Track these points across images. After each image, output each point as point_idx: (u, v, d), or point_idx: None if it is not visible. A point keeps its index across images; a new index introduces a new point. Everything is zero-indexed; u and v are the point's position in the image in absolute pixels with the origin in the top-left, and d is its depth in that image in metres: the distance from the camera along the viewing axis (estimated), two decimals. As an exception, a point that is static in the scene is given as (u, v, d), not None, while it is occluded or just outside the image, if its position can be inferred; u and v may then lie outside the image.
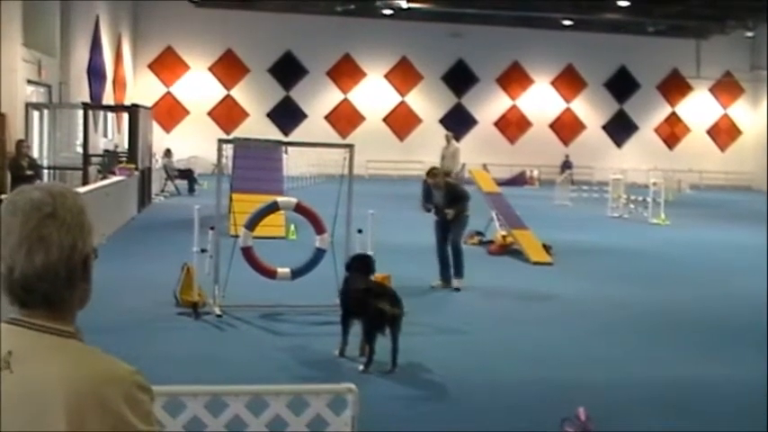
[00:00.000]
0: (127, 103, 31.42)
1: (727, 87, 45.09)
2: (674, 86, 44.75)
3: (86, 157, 21.35)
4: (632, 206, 24.75)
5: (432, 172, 13.09)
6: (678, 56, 43.59)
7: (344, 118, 41.78)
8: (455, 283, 12.57)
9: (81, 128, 21.98)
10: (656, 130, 45.03)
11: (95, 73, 28.06)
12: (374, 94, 42.13)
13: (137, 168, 21.34)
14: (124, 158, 21.72)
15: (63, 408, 1.46)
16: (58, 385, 1.47)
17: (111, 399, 1.50)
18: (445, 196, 12.66)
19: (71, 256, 1.56)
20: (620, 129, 44.46)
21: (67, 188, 1.67)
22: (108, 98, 30.73)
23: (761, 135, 44.54)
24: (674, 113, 45.12)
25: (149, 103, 31.61)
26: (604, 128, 44.45)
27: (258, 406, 4.44)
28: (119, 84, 33.57)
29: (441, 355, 8.80)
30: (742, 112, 45.61)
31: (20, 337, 1.54)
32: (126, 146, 23.32)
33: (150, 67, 39.89)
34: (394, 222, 19.31)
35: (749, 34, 41.79)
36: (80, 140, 22.21)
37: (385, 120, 42.39)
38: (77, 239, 1.58)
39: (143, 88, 38.63)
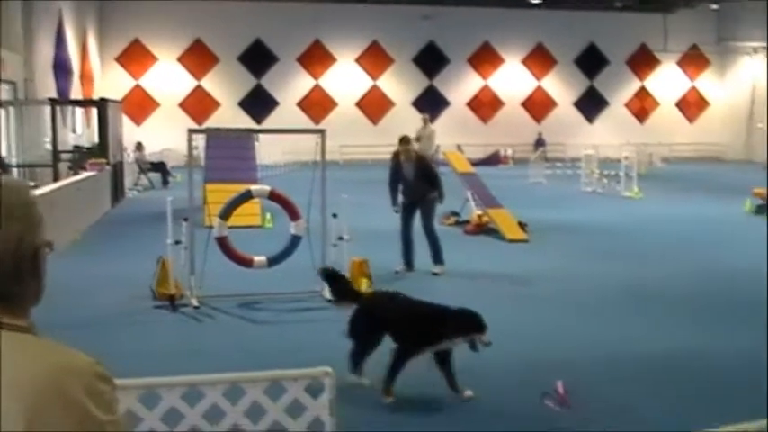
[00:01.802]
0: (95, 97, 31.15)
1: (694, 60, 45.37)
2: (643, 61, 44.95)
3: (56, 153, 21.17)
4: (605, 181, 24.91)
5: (404, 139, 12.62)
6: (645, 30, 43.76)
7: (317, 104, 41.65)
8: (434, 269, 12.38)
9: (49, 124, 21.77)
10: (627, 105, 45.25)
11: (61, 68, 27.78)
12: (346, 78, 42.00)
13: (108, 163, 21.20)
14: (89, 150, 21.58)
15: (21, 405, 1.42)
16: (14, 382, 1.43)
17: (72, 392, 1.46)
18: (416, 170, 12.34)
19: (18, 248, 1.54)
20: (591, 105, 44.65)
21: (17, 181, 1.64)
22: (76, 93, 30.43)
23: (728, 106, 44.93)
24: (643, 88, 45.35)
25: (118, 97, 31.37)
26: (576, 104, 44.61)
27: (235, 394, 4.44)
28: (86, 78, 33.25)
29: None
30: (709, 84, 45.92)
31: None
32: (96, 141, 23.13)
33: (118, 60, 39.53)
34: (369, 207, 19.29)
35: (714, 7, 42.09)
36: (49, 137, 22.00)
37: (357, 104, 42.30)
38: (25, 232, 1.55)
39: (111, 82, 38.28)
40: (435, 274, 12.28)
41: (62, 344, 1.53)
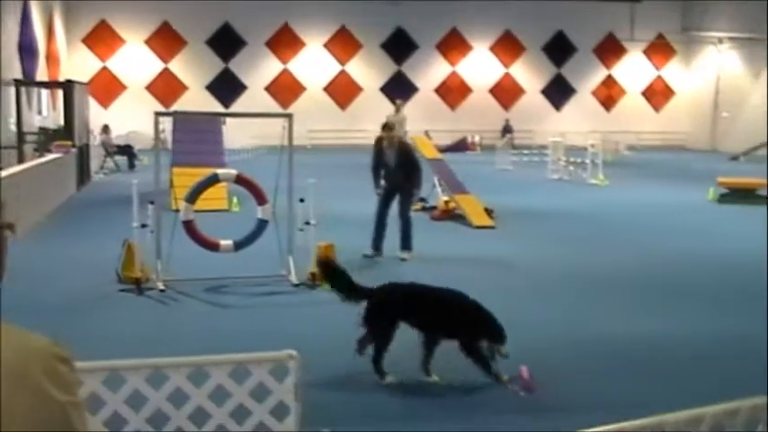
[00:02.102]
0: (61, 79, 30.81)
1: (660, 49, 45.72)
2: (610, 49, 45.22)
3: (21, 135, 20.95)
4: (572, 168, 25.10)
5: (387, 125, 12.67)
6: (613, 19, 43.99)
7: (285, 88, 41.48)
8: (402, 254, 12.43)
9: (14, 105, 21.52)
10: (594, 93, 45.53)
11: (27, 49, 27.40)
12: (314, 63, 41.86)
13: (74, 145, 21.02)
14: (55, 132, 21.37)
15: None
16: None
17: (31, 373, 1.44)
18: (397, 158, 12.37)
19: None
20: (558, 92, 44.87)
21: None
22: (42, 75, 30.07)
23: (693, 95, 45.36)
24: (610, 76, 45.64)
25: (85, 79, 31.07)
26: (543, 92, 44.80)
27: (200, 377, 4.46)
28: (52, 60, 32.85)
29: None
30: (675, 73, 46.31)
31: None
32: (62, 123, 22.91)
33: (84, 41, 39.10)
34: (336, 191, 19.35)
35: (681, -4, 42.56)
36: (13, 118, 21.76)
37: (326, 89, 42.19)
38: None
39: (78, 64, 37.87)
40: (403, 259, 12.35)
41: (18, 326, 1.50)
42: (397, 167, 12.36)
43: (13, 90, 21.82)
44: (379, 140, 12.69)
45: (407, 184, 12.43)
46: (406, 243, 12.53)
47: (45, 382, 1.45)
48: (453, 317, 7.10)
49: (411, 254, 12.47)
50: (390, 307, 7.22)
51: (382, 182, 12.62)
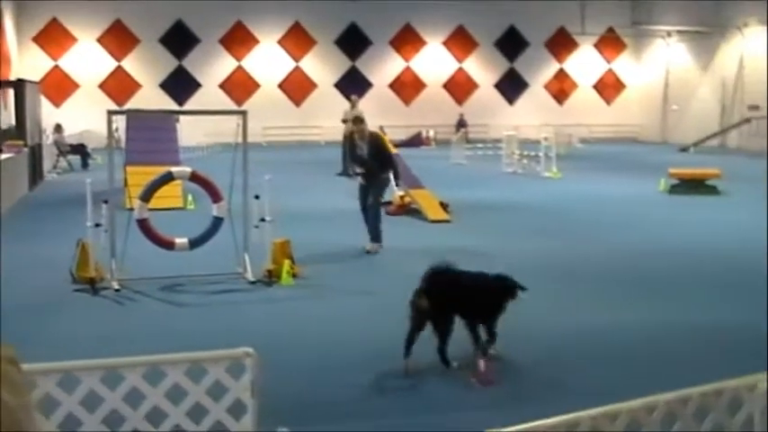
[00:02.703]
0: (12, 78, 30.36)
1: (610, 43, 46.26)
2: (561, 43, 45.64)
3: (-29, 135, 20.65)
4: (526, 161, 25.32)
5: (357, 119, 13.07)
6: (563, 13, 44.41)
7: (239, 86, 41.30)
8: (369, 246, 12.56)
9: (-37, 106, 21.20)
10: (546, 87, 45.93)
11: (-25, 48, 27.01)
12: (268, 60, 41.72)
13: (26, 145, 20.77)
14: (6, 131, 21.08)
15: None
16: None
17: None
18: (369, 149, 12.59)
19: None
20: (511, 86, 45.19)
21: None
22: (-9, 74, 29.63)
23: (643, 89, 45.96)
24: (561, 70, 46.07)
25: (36, 78, 30.70)
26: (496, 86, 45.09)
27: (156, 376, 4.46)
28: (2, 58, 32.32)
29: (346, 317, 8.94)
30: (625, 66, 46.87)
31: None
32: (13, 122, 22.60)
33: (35, 40, 38.56)
34: (292, 188, 19.33)
35: (630, -9, 43.08)
36: (-37, 119, 21.43)
37: (280, 86, 42.07)
38: None
39: (29, 62, 37.36)
40: (368, 251, 12.47)
41: None
42: (369, 159, 12.59)
43: (-39, 90, 21.48)
44: (351, 134, 12.92)
45: (381, 175, 12.70)
46: (374, 235, 12.67)
47: None
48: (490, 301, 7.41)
49: (379, 246, 12.60)
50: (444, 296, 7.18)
51: (358, 169, 12.89)
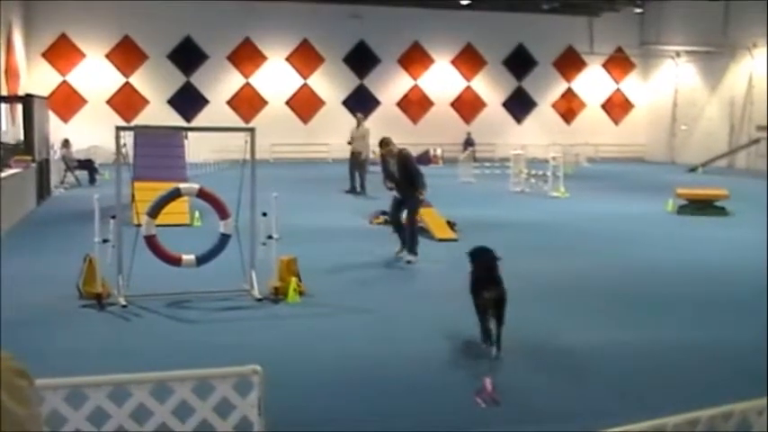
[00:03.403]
0: (21, 93, 30.49)
1: (618, 63, 46.29)
2: (569, 63, 45.69)
3: (-21, 150, 20.70)
4: (533, 180, 25.32)
5: (383, 141, 13.75)
6: (572, 33, 44.53)
7: (247, 102, 41.40)
8: (408, 257, 13.21)
9: (-28, 120, 21.29)
10: (554, 106, 45.95)
11: (-15, 63, 27.14)
12: (276, 77, 41.82)
13: (33, 160, 20.82)
14: (14, 147, 21.14)
15: None
16: None
17: None
18: (398, 168, 13.31)
19: None
20: (519, 105, 45.23)
21: None
22: (1, 89, 29.75)
23: (651, 109, 45.97)
24: (569, 89, 46.10)
25: (45, 93, 30.77)
26: (504, 105, 45.14)
27: (163, 393, 4.44)
28: (11, 74, 32.51)
29: (353, 335, 8.91)
30: (633, 86, 46.88)
31: None
32: (21, 138, 22.67)
33: (44, 55, 38.73)
34: (299, 205, 19.34)
35: (638, 11, 43.10)
36: (-28, 133, 21.51)
37: (288, 103, 42.16)
38: None
39: (37, 78, 37.50)
40: (408, 261, 13.12)
41: None
42: (400, 178, 13.33)
43: (-29, 105, 21.58)
44: (382, 156, 13.82)
45: (413, 192, 13.34)
46: (411, 247, 13.29)
47: (3, 396, 1.45)
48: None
49: (416, 258, 13.22)
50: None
51: (389, 184, 13.68)
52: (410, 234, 13.37)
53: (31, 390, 1.53)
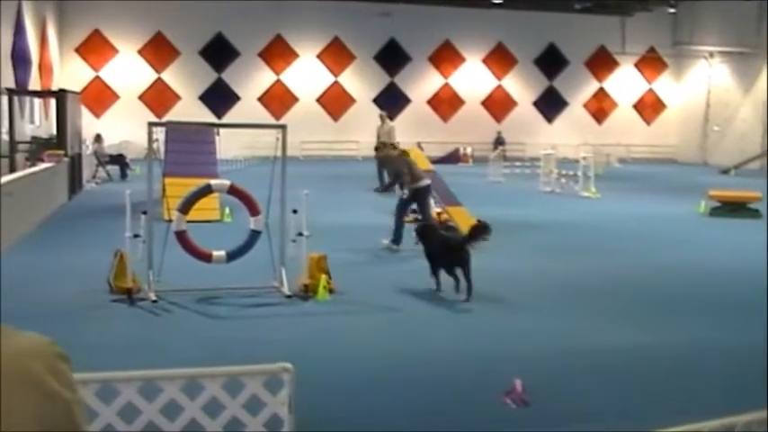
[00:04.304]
0: (54, 88, 30.78)
1: (651, 63, 45.91)
2: (601, 62, 45.40)
3: (13, 144, 20.90)
4: (563, 180, 25.15)
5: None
6: (604, 32, 44.23)
7: (277, 99, 41.51)
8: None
9: (6, 114, 21.48)
10: (585, 106, 45.68)
11: (20, 58, 27.39)
12: (307, 74, 41.90)
13: (66, 155, 20.99)
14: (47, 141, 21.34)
15: None
16: None
17: (36, 372, 1.46)
18: (388, 167, 14.57)
19: None
20: (550, 105, 45.00)
21: None
22: (34, 84, 30.04)
23: (684, 109, 45.54)
24: (601, 89, 45.80)
25: (77, 88, 31.02)
26: (535, 104, 44.93)
27: (193, 389, 4.43)
28: (45, 69, 32.83)
29: (382, 333, 8.88)
30: (666, 86, 46.49)
31: None
32: (54, 132, 22.88)
33: (77, 51, 39.07)
34: (328, 202, 19.33)
35: (671, 10, 42.68)
36: (5, 127, 21.72)
37: (318, 100, 42.23)
38: None
39: (71, 73, 37.85)
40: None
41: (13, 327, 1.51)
42: (389, 175, 14.69)
43: (5, 99, 21.77)
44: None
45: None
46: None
47: (50, 380, 1.47)
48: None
49: (397, 247, 14.20)
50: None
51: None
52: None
53: (72, 375, 1.54)
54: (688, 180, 31.29)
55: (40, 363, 1.48)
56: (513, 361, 7.79)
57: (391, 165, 14.61)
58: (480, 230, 11.01)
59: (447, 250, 10.81)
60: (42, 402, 1.45)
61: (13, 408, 1.42)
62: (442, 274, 10.82)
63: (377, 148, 24.63)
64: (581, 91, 45.40)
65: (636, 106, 46.33)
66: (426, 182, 14.72)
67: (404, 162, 14.78)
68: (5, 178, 15.78)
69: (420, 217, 17.31)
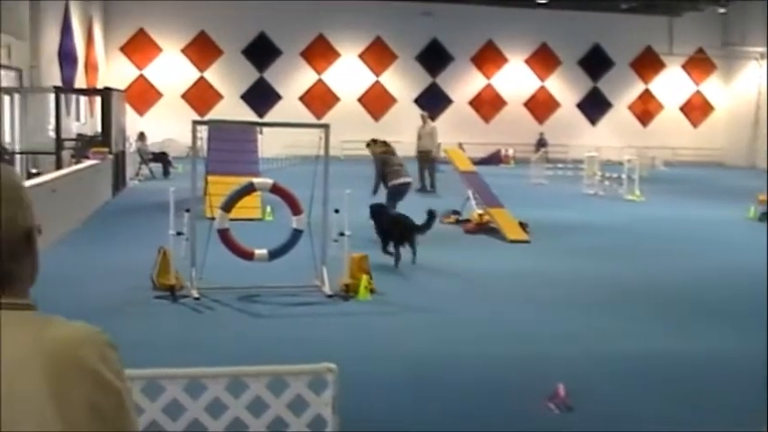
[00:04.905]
0: (99, 86, 31.11)
1: (699, 64, 45.27)
2: (647, 64, 44.88)
3: (59, 141, 21.15)
4: (607, 183, 24.86)
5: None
6: (651, 33, 43.72)
7: (319, 99, 41.61)
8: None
9: (53, 112, 21.75)
10: (630, 108, 45.19)
11: (66, 56, 27.74)
12: (348, 74, 41.95)
13: (110, 152, 21.19)
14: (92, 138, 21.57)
15: (41, 373, 1.44)
16: (32, 352, 1.46)
17: (88, 359, 1.49)
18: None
19: (11, 229, 1.54)
20: (594, 106, 44.59)
21: (3, 165, 1.65)
22: (80, 82, 30.40)
23: (732, 111, 44.83)
24: (647, 90, 45.28)
25: (122, 87, 31.33)
26: (579, 106, 44.55)
27: (238, 388, 4.41)
28: (90, 67, 33.21)
29: (416, 333, 8.82)
30: (714, 88, 45.84)
31: None
32: (99, 130, 23.12)
33: (122, 49, 39.48)
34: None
35: (722, 11, 41.98)
36: (52, 125, 21.98)
37: (360, 100, 42.26)
38: (16, 213, 1.56)
39: (115, 71, 38.25)
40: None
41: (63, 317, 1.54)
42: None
43: (52, 97, 22.03)
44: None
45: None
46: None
47: (101, 366, 1.51)
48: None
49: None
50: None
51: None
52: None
53: (121, 364, 1.57)
54: (736, 184, 30.77)
55: (91, 350, 1.51)
56: (556, 364, 7.68)
57: (376, 162, 15.56)
58: (430, 221, 12.71)
59: (399, 230, 12.52)
60: (95, 390, 1.49)
61: (67, 395, 1.45)
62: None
63: (419, 152, 24.68)
64: (626, 93, 44.93)
65: (682, 108, 45.73)
66: (408, 179, 15.59)
67: (383, 159, 15.70)
68: (52, 175, 15.96)
69: (460, 218, 17.26)
